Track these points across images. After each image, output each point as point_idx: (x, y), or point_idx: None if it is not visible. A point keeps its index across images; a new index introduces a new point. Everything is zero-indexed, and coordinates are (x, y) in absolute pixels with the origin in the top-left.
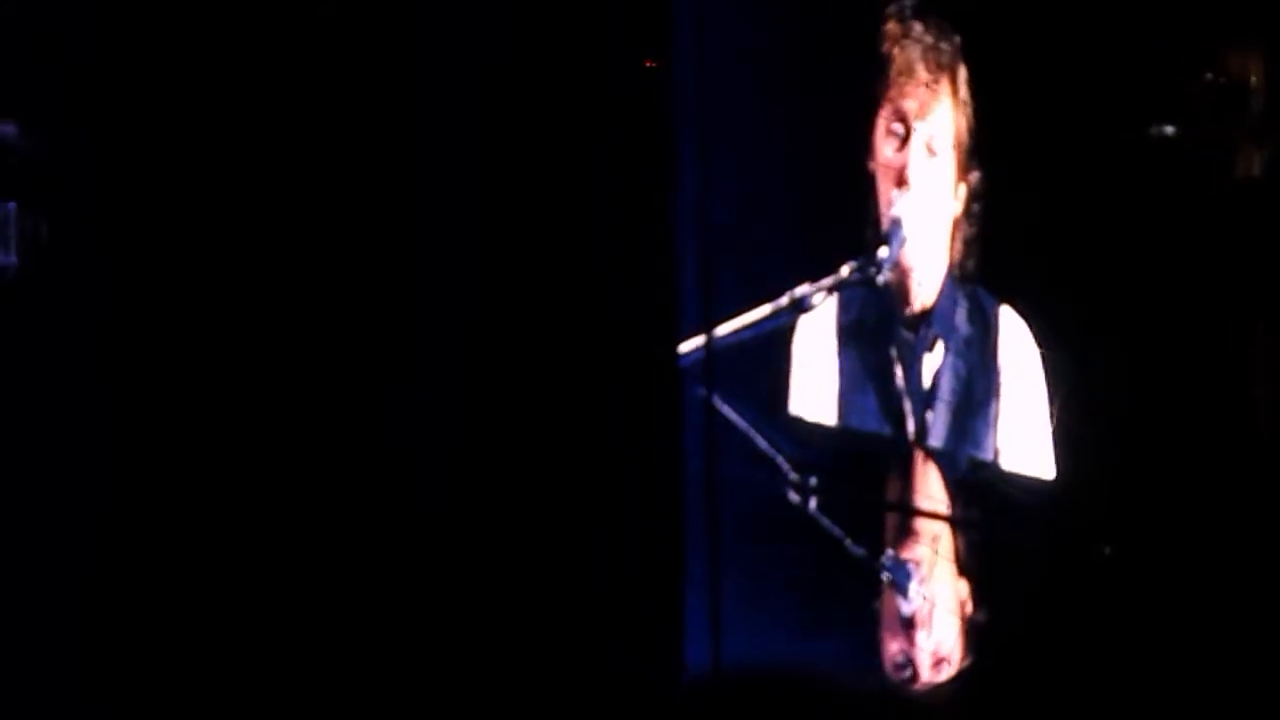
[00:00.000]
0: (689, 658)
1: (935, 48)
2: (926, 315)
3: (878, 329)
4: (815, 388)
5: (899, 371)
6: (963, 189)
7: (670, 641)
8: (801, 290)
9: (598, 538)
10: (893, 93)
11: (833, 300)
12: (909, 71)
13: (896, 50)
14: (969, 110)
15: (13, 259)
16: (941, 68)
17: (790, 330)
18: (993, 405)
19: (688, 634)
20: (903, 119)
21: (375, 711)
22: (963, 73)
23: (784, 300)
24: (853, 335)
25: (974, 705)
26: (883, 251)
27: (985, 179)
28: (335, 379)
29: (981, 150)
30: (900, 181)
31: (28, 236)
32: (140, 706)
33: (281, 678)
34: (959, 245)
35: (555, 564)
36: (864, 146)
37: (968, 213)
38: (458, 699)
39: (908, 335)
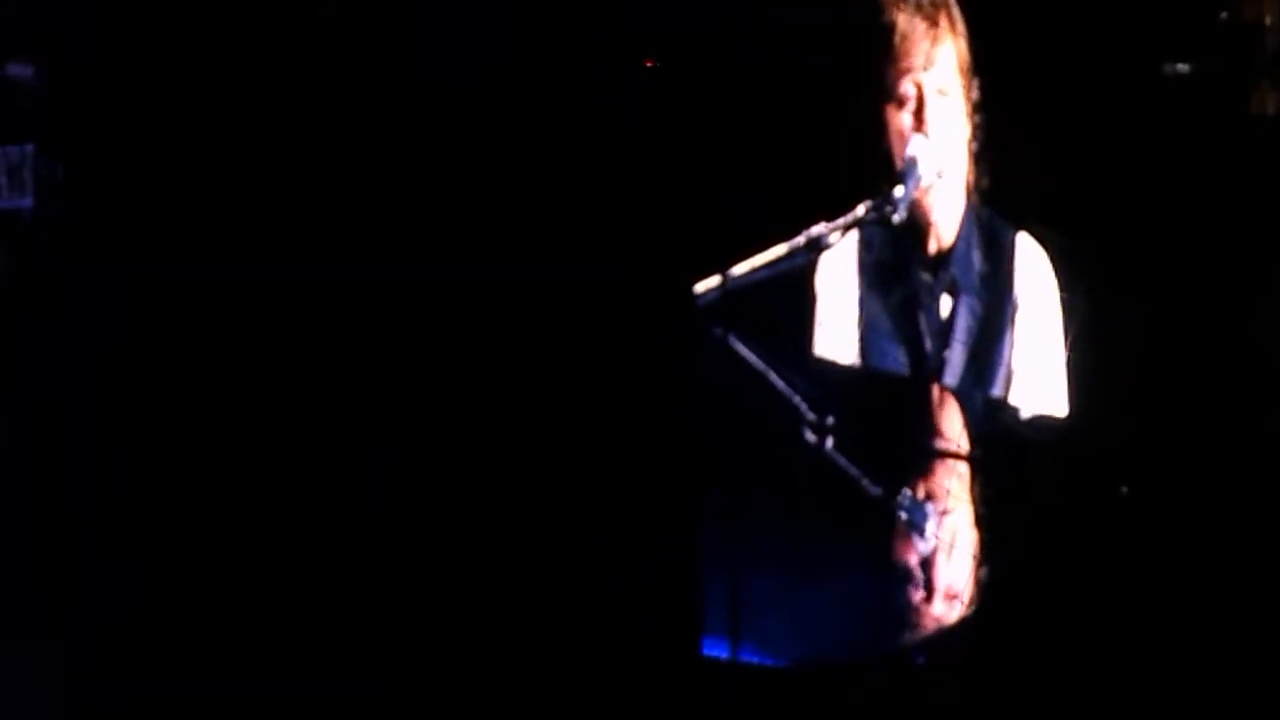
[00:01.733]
0: (706, 598)
1: None
2: (945, 257)
3: (898, 269)
4: (837, 328)
5: (919, 312)
6: (971, 117)
7: (686, 586)
8: (818, 230)
9: (613, 478)
10: (899, 56)
11: (853, 240)
12: (910, 31)
13: (894, 15)
14: (969, 38)
15: (28, 202)
16: (936, 7)
17: (808, 270)
18: (1009, 344)
19: (705, 576)
20: (913, 80)
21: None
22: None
23: (800, 240)
24: (874, 276)
25: (985, 646)
26: (898, 190)
27: (989, 102)
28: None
29: (986, 79)
30: (918, 127)
31: (44, 179)
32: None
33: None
34: (972, 170)
35: (573, 495)
36: (879, 91)
37: (975, 135)
38: (469, 672)
39: (926, 276)
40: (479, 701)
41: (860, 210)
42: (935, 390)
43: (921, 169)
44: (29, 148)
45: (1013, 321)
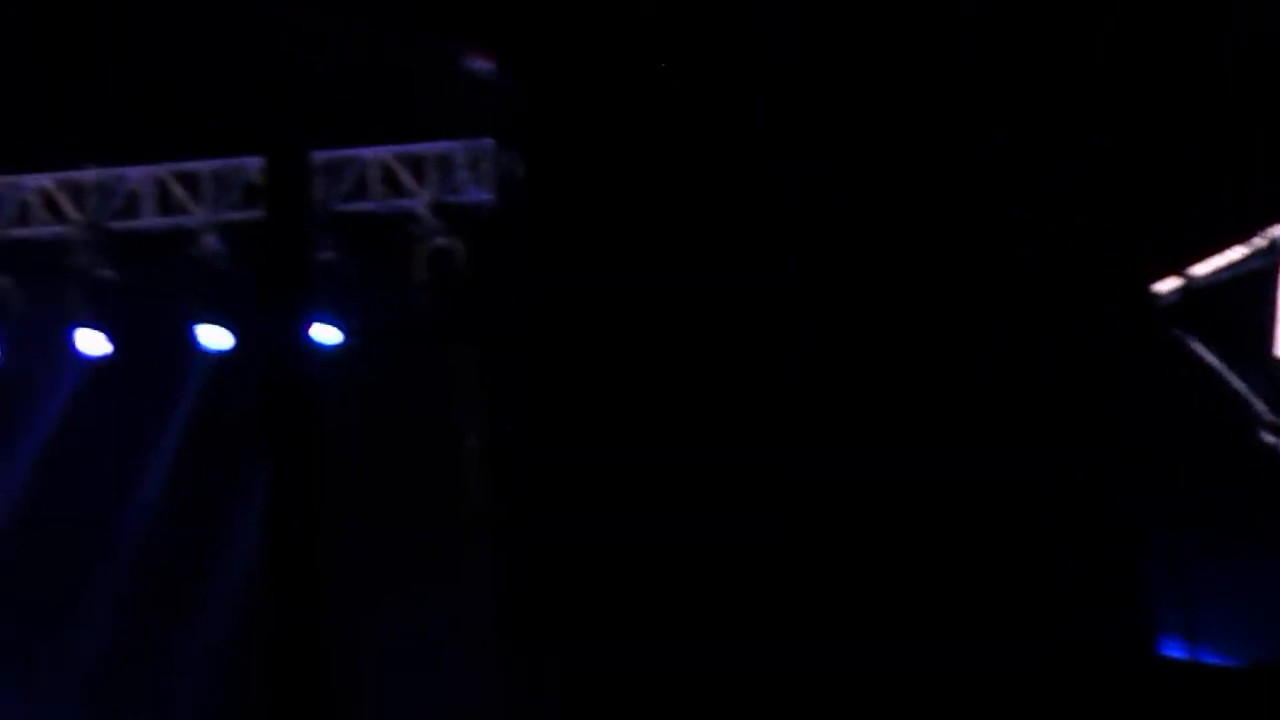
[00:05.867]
0: (1162, 598)
1: None
2: None
3: None
4: None
5: None
6: None
7: (1139, 587)
8: (1279, 231)
9: (1063, 477)
10: None
11: None
12: None
13: None
14: None
15: (488, 196)
16: None
17: (1271, 271)
18: None
19: (1160, 577)
20: None
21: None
22: None
23: (1261, 241)
24: None
25: None
26: None
27: None
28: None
29: None
30: None
31: (505, 174)
32: None
33: None
34: None
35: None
36: None
37: None
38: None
39: None
40: (944, 695)
41: None
42: None
43: None
44: (489, 142)
45: None
